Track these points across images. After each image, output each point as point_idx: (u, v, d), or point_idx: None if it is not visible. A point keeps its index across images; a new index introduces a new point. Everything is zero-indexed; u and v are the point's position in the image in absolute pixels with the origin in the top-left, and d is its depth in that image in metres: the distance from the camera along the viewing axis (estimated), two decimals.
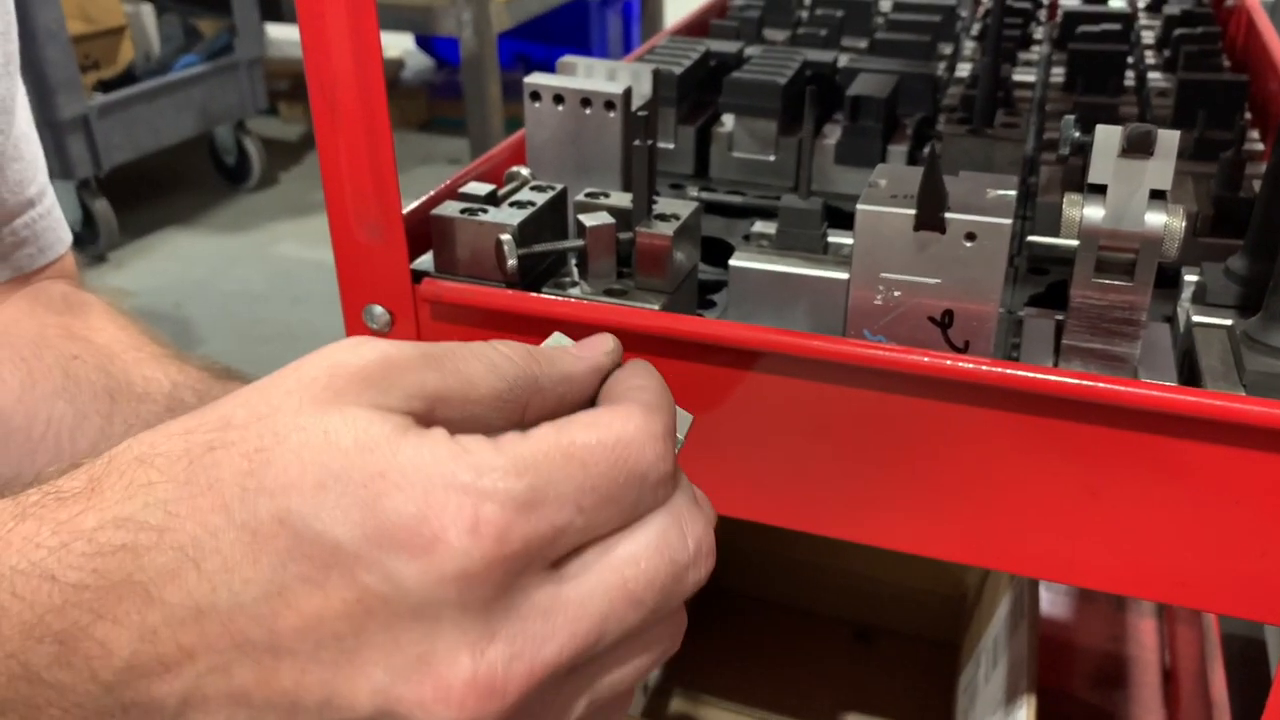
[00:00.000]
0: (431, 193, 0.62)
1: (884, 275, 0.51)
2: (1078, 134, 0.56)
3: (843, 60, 0.84)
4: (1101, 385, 0.47)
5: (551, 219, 0.60)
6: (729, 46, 0.88)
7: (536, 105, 0.65)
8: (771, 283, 0.57)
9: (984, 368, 0.48)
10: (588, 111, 0.64)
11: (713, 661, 0.98)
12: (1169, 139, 0.47)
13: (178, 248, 2.77)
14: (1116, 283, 0.50)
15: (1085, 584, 0.53)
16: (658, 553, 0.32)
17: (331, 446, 0.30)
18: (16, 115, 0.63)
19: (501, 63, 2.70)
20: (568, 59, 0.70)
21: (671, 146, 0.78)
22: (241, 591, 0.29)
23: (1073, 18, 0.99)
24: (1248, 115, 0.83)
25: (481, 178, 0.67)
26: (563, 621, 0.31)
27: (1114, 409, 0.47)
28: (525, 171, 0.65)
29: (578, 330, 0.41)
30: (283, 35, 3.67)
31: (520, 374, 0.34)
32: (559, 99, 0.64)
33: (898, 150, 0.74)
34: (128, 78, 2.67)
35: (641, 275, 0.57)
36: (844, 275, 0.54)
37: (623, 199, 0.59)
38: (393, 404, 0.32)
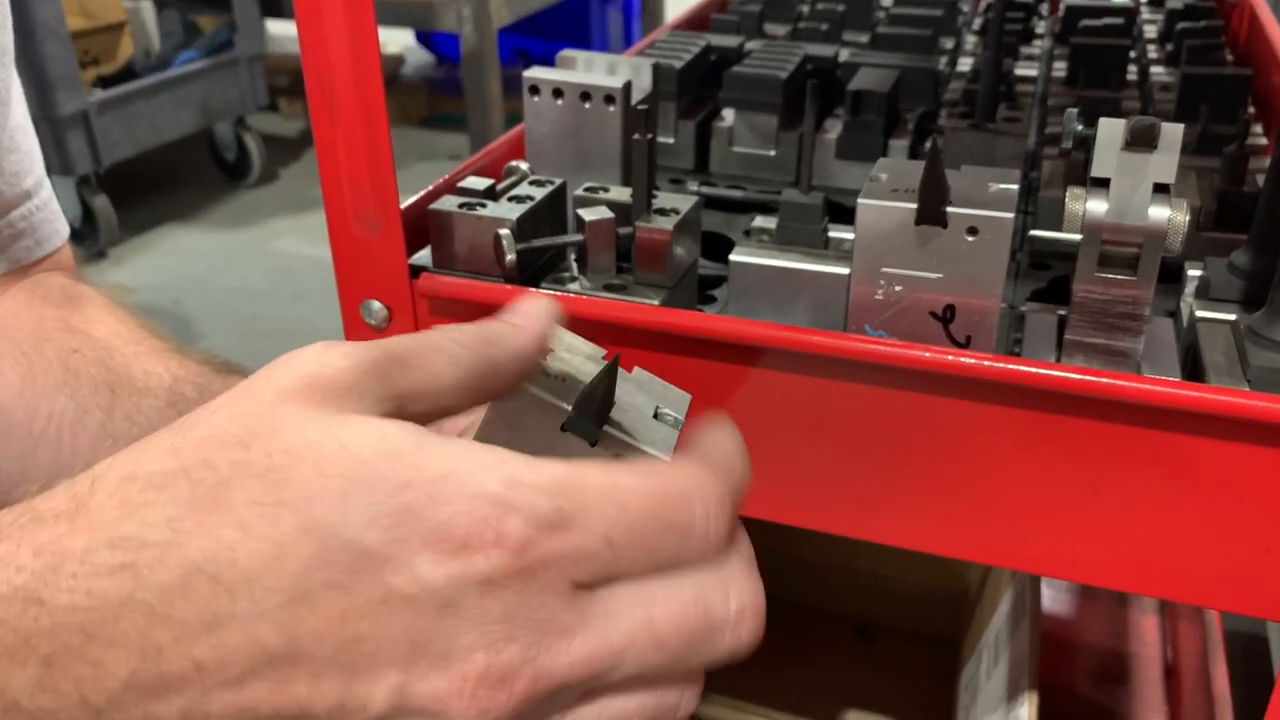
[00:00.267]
0: (430, 187, 0.62)
1: (885, 270, 0.51)
2: (1080, 127, 0.56)
3: (844, 55, 0.84)
4: (1104, 380, 0.46)
5: (550, 214, 0.60)
6: (729, 41, 0.87)
7: (536, 99, 0.65)
8: (772, 278, 0.57)
9: (986, 363, 0.48)
10: (587, 106, 0.64)
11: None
12: (1173, 132, 0.47)
13: (178, 244, 2.76)
14: (1119, 277, 0.49)
15: (1088, 581, 0.52)
16: (693, 602, 0.33)
17: (351, 458, 0.31)
18: (12, 108, 0.63)
19: (502, 58, 2.69)
20: (567, 53, 0.69)
21: (672, 141, 0.78)
22: (263, 600, 0.29)
23: (1075, 12, 0.98)
24: (1251, 109, 0.82)
25: (480, 172, 0.67)
26: (580, 641, 0.31)
27: (1117, 404, 0.47)
28: (524, 166, 0.64)
29: (577, 328, 0.41)
30: (283, 31, 3.66)
31: (476, 360, 0.36)
32: (558, 93, 0.64)
33: (899, 145, 0.74)
34: (127, 74, 2.67)
35: (641, 270, 0.57)
36: (845, 270, 0.54)
37: (622, 193, 0.59)
38: (369, 408, 0.33)
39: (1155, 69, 0.90)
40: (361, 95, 0.52)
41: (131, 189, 2.91)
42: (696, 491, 0.34)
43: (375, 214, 0.55)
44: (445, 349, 0.35)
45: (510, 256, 0.55)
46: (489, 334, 0.37)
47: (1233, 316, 0.53)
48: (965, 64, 0.93)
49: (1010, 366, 0.48)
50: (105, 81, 2.61)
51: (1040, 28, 1.06)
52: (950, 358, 0.48)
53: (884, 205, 0.50)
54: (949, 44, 0.95)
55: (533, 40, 3.52)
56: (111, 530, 0.30)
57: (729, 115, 0.78)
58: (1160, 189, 0.48)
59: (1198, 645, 0.95)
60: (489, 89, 2.61)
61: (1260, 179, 0.65)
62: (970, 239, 0.49)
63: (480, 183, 0.60)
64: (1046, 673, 0.74)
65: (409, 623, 0.30)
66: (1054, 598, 1.04)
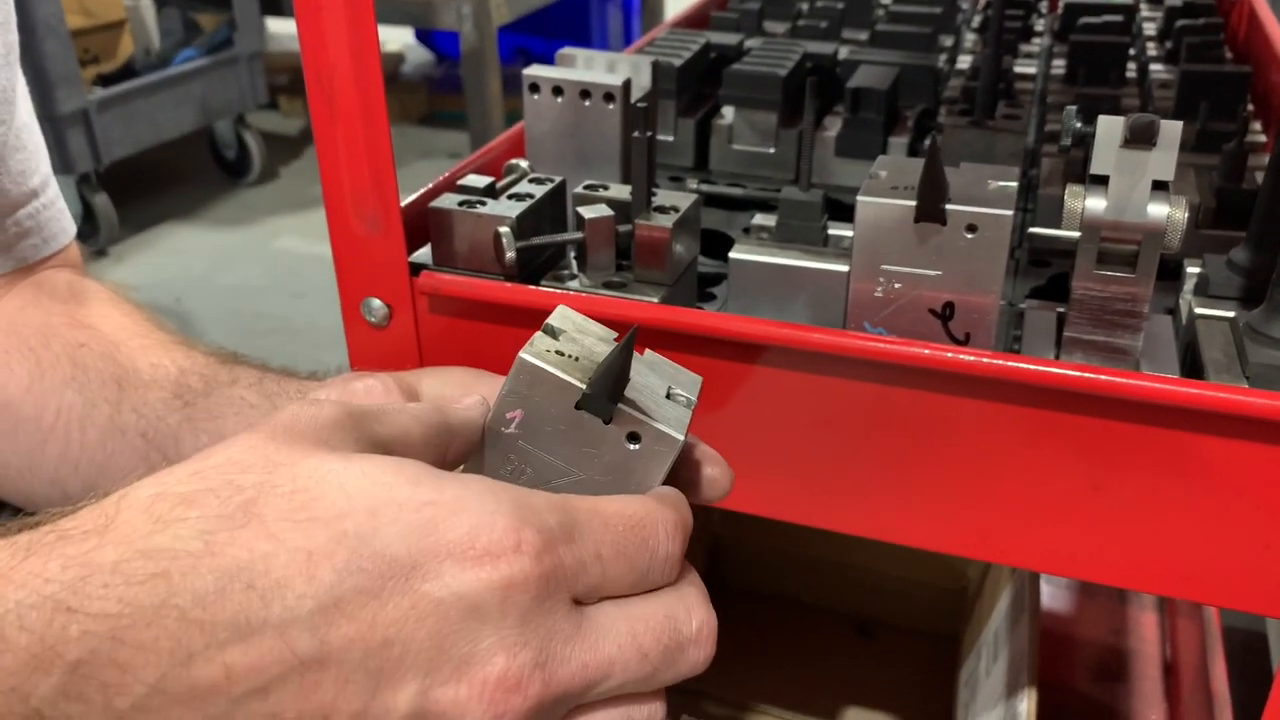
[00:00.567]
0: (430, 185, 0.62)
1: (884, 267, 0.51)
2: (1079, 125, 0.56)
3: (843, 52, 0.84)
4: (1103, 378, 0.46)
5: (550, 211, 0.60)
6: (729, 38, 0.87)
7: (535, 97, 0.65)
8: (771, 275, 0.57)
9: (985, 360, 0.48)
10: (587, 104, 0.64)
11: (714, 655, 0.98)
12: (1172, 130, 0.47)
13: (178, 242, 2.76)
14: (1118, 274, 0.49)
15: (1087, 577, 0.53)
16: (666, 619, 0.37)
17: (375, 483, 0.33)
18: (18, 106, 0.63)
19: (502, 57, 2.69)
20: (567, 51, 0.69)
21: (672, 139, 0.78)
22: (296, 606, 0.31)
23: (1074, 9, 0.98)
24: (1250, 107, 0.82)
25: (480, 170, 0.67)
26: (580, 649, 0.34)
27: (1115, 401, 0.47)
28: (524, 164, 0.65)
29: None
30: (283, 29, 3.66)
31: (438, 422, 0.39)
32: (558, 91, 0.64)
33: (898, 142, 0.74)
34: (127, 72, 2.67)
35: (640, 268, 0.57)
36: (844, 268, 0.54)
37: (622, 191, 0.59)
38: (365, 449, 0.36)
39: (1154, 66, 0.90)
40: (361, 94, 0.52)
41: (132, 187, 2.91)
42: (658, 515, 0.37)
43: (375, 212, 0.55)
44: (407, 410, 0.39)
45: (510, 254, 0.55)
46: (443, 404, 0.41)
47: (1232, 314, 0.54)
48: (965, 61, 0.93)
49: (1008, 364, 0.48)
50: (105, 80, 2.61)
51: (1040, 25, 1.06)
52: (949, 355, 0.48)
53: (883, 203, 0.50)
54: (948, 41, 0.95)
55: (533, 38, 3.52)
56: (144, 543, 0.31)
57: (729, 113, 0.78)
58: (1159, 186, 0.48)
59: (1197, 642, 0.95)
60: (489, 87, 2.61)
61: (1259, 176, 0.65)
62: (969, 236, 0.49)
63: (480, 180, 0.60)
64: (1046, 669, 0.74)
65: (435, 628, 0.32)
66: (1053, 594, 1.04)
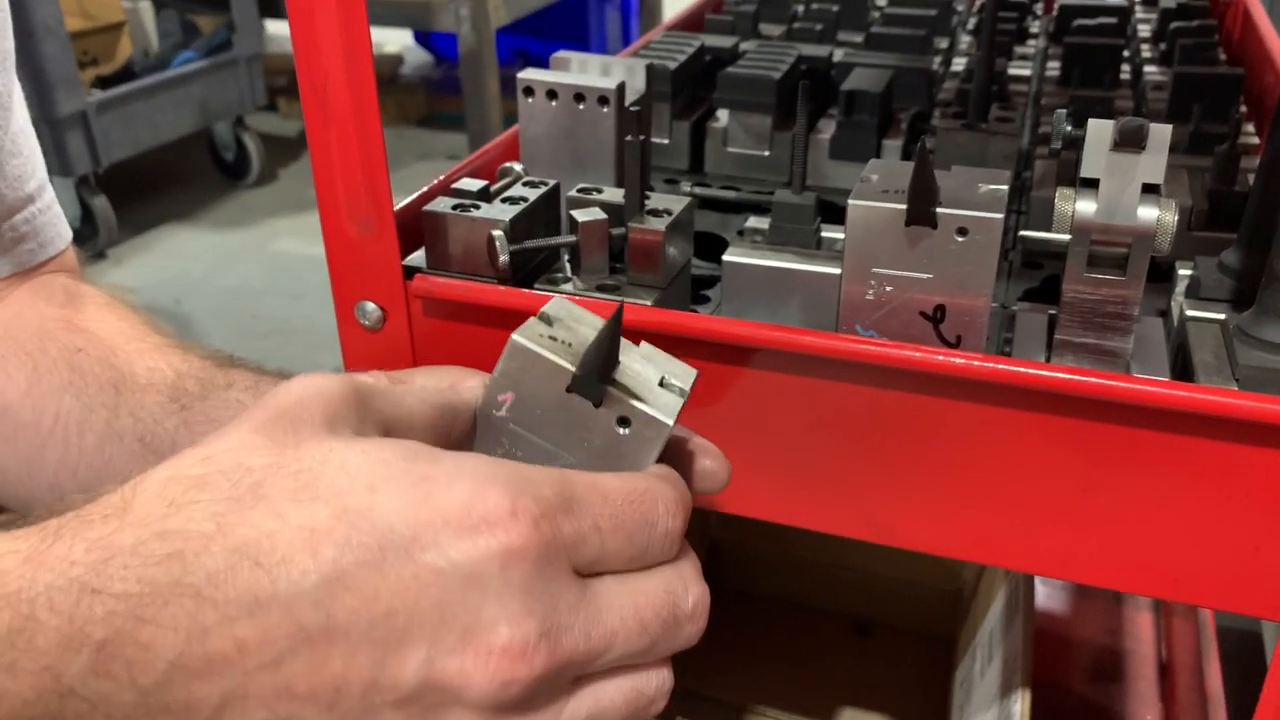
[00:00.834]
0: (424, 189, 0.62)
1: (875, 270, 0.51)
2: (1069, 128, 0.56)
3: (838, 55, 0.84)
4: (1092, 380, 0.46)
5: (544, 215, 0.60)
6: (724, 41, 0.87)
7: (530, 100, 0.65)
8: (765, 278, 0.57)
9: (975, 363, 0.48)
10: (581, 107, 0.64)
11: (711, 657, 0.98)
12: (1161, 133, 0.47)
13: (177, 244, 2.77)
14: (1109, 277, 0.50)
15: (1078, 579, 0.53)
16: (666, 594, 0.37)
17: (374, 460, 0.34)
18: (14, 111, 0.63)
19: (500, 58, 2.69)
20: (562, 54, 0.69)
21: (666, 142, 0.78)
22: (301, 580, 0.32)
23: (1068, 11, 0.99)
24: (1243, 109, 0.83)
25: (475, 174, 0.67)
26: (584, 620, 0.35)
27: (1105, 404, 0.47)
28: (518, 167, 0.65)
29: None
30: (281, 31, 3.66)
31: (444, 402, 0.40)
32: (552, 94, 0.64)
33: (892, 145, 0.74)
34: (126, 74, 2.68)
35: (634, 271, 0.57)
36: (837, 270, 0.54)
37: (616, 194, 0.59)
38: (367, 430, 0.37)
39: (1148, 68, 0.90)
40: (354, 97, 0.52)
41: (131, 189, 2.91)
42: (658, 491, 0.38)
43: (369, 215, 0.56)
44: (413, 391, 0.40)
45: (503, 258, 0.55)
46: (446, 383, 0.41)
47: (1222, 316, 0.54)
48: (959, 64, 0.93)
49: (998, 366, 0.48)
50: (104, 82, 2.61)
51: (1035, 27, 1.06)
52: (939, 358, 0.48)
53: (874, 206, 0.50)
54: (943, 44, 0.95)
55: (531, 40, 3.52)
56: (159, 524, 0.32)
57: (723, 116, 0.78)
58: (1149, 189, 0.48)
59: (1192, 642, 0.96)
60: (487, 89, 2.61)
61: (1251, 178, 0.66)
62: (960, 239, 0.49)
63: (474, 184, 0.60)
64: (1041, 670, 0.74)
65: (437, 597, 0.32)
66: (1049, 595, 1.04)
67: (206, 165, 3.10)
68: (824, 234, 0.61)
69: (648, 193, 0.58)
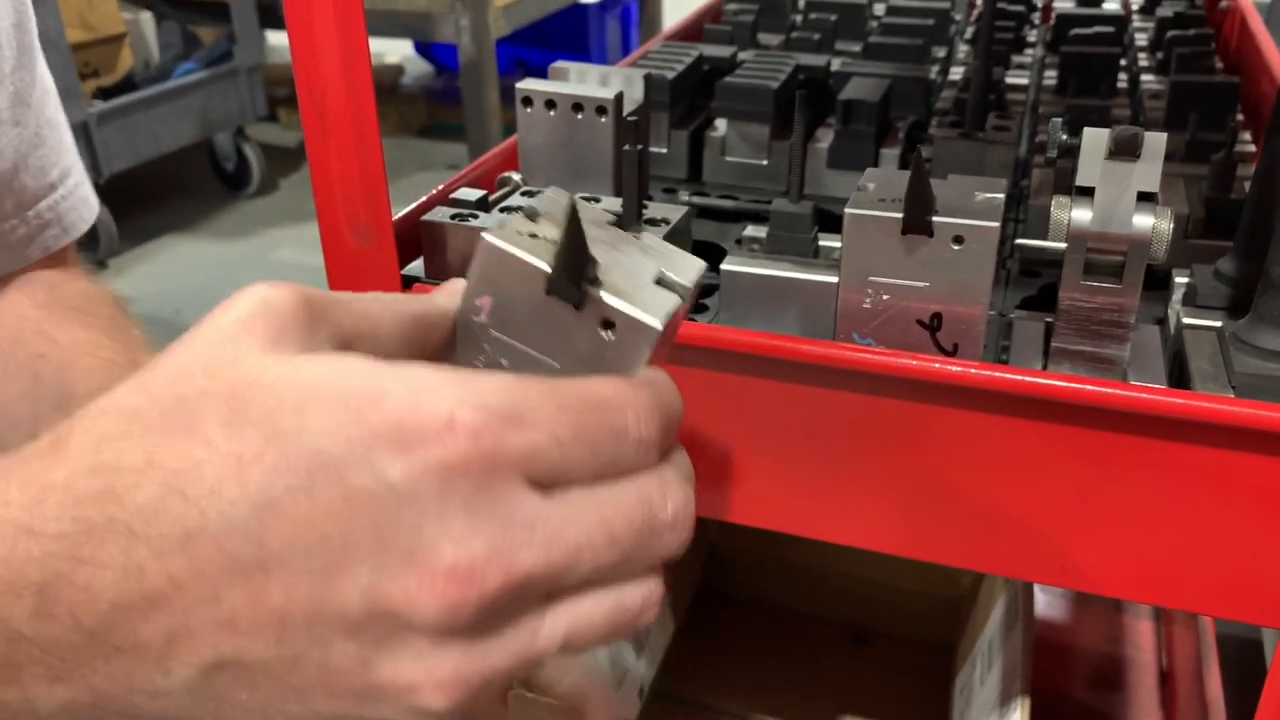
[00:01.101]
0: (423, 199, 0.62)
1: (872, 279, 0.51)
2: (1065, 137, 0.56)
3: (836, 64, 0.85)
4: (1087, 388, 0.47)
5: None
6: (722, 51, 0.88)
7: (528, 111, 0.65)
8: (762, 286, 0.57)
9: (971, 370, 0.48)
10: (579, 117, 0.64)
11: (710, 665, 0.98)
12: (1156, 141, 0.48)
13: (178, 254, 2.77)
14: (1105, 285, 0.50)
15: (1076, 587, 0.53)
16: (639, 502, 0.34)
17: (308, 378, 0.32)
18: (45, 103, 0.65)
19: (500, 68, 2.70)
20: (560, 64, 0.70)
21: (665, 151, 0.79)
22: (230, 512, 0.30)
23: (1066, 20, 0.99)
24: (1239, 117, 0.83)
25: (474, 183, 0.68)
26: (542, 535, 0.32)
27: (1102, 411, 0.47)
28: (516, 177, 0.65)
29: None
30: (282, 42, 3.67)
31: (415, 312, 0.37)
32: (551, 104, 0.65)
33: (890, 154, 0.74)
34: (127, 85, 2.68)
35: None
36: (834, 279, 0.55)
37: (614, 204, 0.59)
38: (319, 345, 0.34)
39: (1145, 77, 0.91)
40: (353, 109, 0.53)
41: (132, 200, 2.92)
42: (628, 399, 0.35)
43: (368, 226, 0.56)
44: (382, 300, 0.37)
45: None
46: (419, 295, 0.39)
47: (1219, 323, 0.54)
48: (957, 73, 0.93)
49: (994, 374, 0.48)
50: (105, 93, 2.62)
51: (1032, 36, 1.07)
52: (936, 366, 0.49)
53: (870, 215, 0.50)
54: (941, 53, 0.95)
55: (531, 50, 3.53)
56: (91, 458, 0.31)
57: (721, 125, 0.78)
58: (1145, 197, 0.48)
59: (1192, 650, 0.96)
60: (487, 98, 2.62)
61: (1249, 186, 0.66)
62: (956, 248, 0.49)
63: (472, 194, 0.60)
64: (1041, 678, 0.74)
65: (372, 519, 0.31)
66: (1049, 603, 1.05)
67: (207, 175, 3.11)
68: (822, 242, 0.61)
69: (646, 202, 0.58)
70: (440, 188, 0.64)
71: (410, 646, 0.31)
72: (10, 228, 0.65)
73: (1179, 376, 0.53)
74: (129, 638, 0.31)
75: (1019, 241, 0.54)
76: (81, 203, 0.69)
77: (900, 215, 0.49)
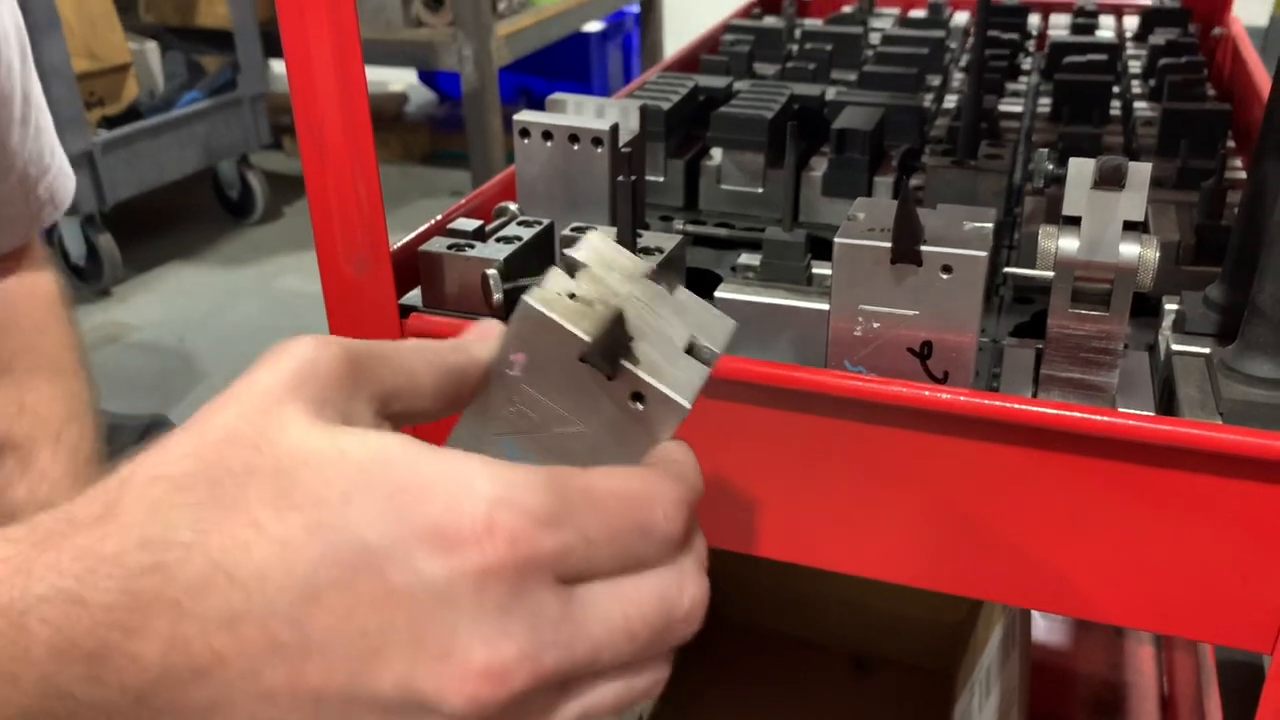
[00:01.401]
0: (420, 229, 0.63)
1: (863, 307, 0.52)
2: (1051, 166, 0.57)
3: (830, 93, 0.85)
4: (1075, 415, 0.47)
5: (539, 254, 0.61)
6: (718, 81, 0.89)
7: (525, 142, 0.66)
8: (755, 314, 0.58)
9: (960, 398, 0.48)
10: (576, 148, 0.65)
11: (710, 692, 0.98)
12: (1140, 171, 0.48)
13: (181, 282, 2.78)
14: (1093, 313, 0.50)
15: (1069, 613, 0.53)
16: (659, 599, 0.36)
17: (352, 464, 0.33)
18: (42, 106, 0.71)
19: (503, 96, 2.72)
20: (557, 96, 0.71)
21: (662, 179, 0.79)
22: (276, 598, 0.32)
23: (1059, 48, 1.00)
24: (1231, 144, 0.83)
25: (472, 213, 0.68)
26: (568, 635, 0.34)
27: (1091, 438, 0.48)
28: (513, 207, 0.66)
29: None
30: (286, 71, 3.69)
31: (452, 365, 0.39)
32: (548, 135, 0.65)
33: (884, 181, 0.75)
34: (132, 114, 2.70)
35: None
36: (826, 306, 0.55)
37: (610, 233, 0.60)
38: (360, 407, 0.36)
39: (1138, 104, 0.91)
40: (351, 140, 0.53)
41: (135, 227, 2.93)
42: (658, 495, 0.36)
43: (365, 255, 0.56)
44: (423, 353, 0.38)
45: (498, 296, 0.56)
46: (456, 344, 0.40)
47: (1208, 350, 0.54)
48: (951, 101, 0.94)
49: (983, 402, 0.48)
50: (110, 122, 2.63)
51: (1027, 64, 1.08)
52: (926, 394, 0.49)
53: (860, 244, 0.51)
54: (935, 81, 0.96)
55: (533, 78, 3.55)
56: (141, 531, 0.32)
57: (717, 154, 0.79)
58: (1131, 226, 0.49)
59: (1193, 675, 0.95)
60: (490, 126, 2.64)
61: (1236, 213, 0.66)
62: (945, 277, 0.50)
63: (470, 224, 0.61)
64: (1042, 703, 0.74)
65: (410, 616, 0.32)
66: (1049, 629, 1.04)
67: (211, 203, 3.12)
68: (816, 270, 0.62)
69: (640, 231, 0.59)
70: (438, 218, 0.65)
71: None
72: (18, 211, 0.70)
73: (1168, 403, 0.53)
74: (172, 703, 0.32)
75: (1007, 269, 0.54)
76: (65, 177, 0.74)
77: (889, 244, 0.50)
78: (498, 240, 0.60)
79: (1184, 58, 0.95)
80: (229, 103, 2.85)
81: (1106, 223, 0.49)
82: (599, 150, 0.65)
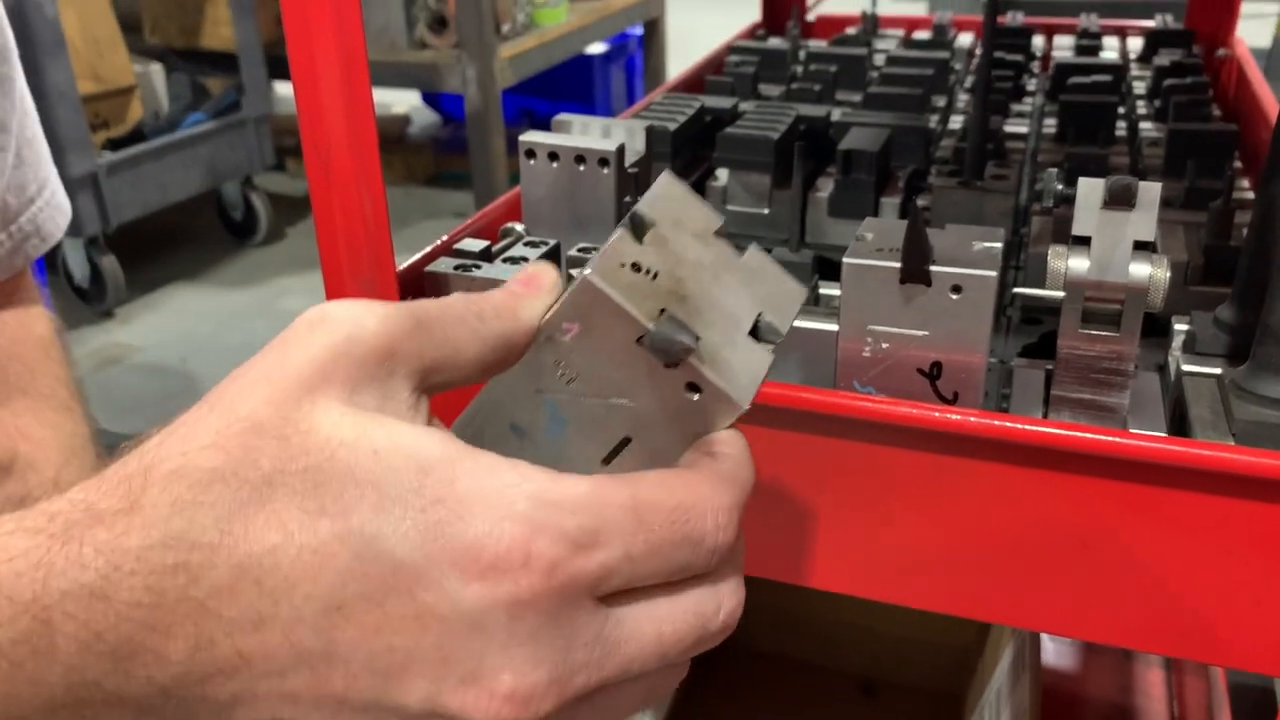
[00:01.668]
0: (426, 250, 0.63)
1: (871, 328, 0.52)
2: (1060, 186, 0.57)
3: (836, 114, 0.85)
4: (1087, 435, 0.47)
5: None
6: (724, 102, 0.89)
7: (531, 163, 0.66)
8: None
9: (970, 419, 0.48)
10: (582, 169, 0.65)
11: (718, 716, 0.98)
12: (1150, 191, 0.48)
13: (185, 303, 2.79)
14: (1103, 333, 0.50)
15: (1080, 636, 0.53)
16: (695, 617, 0.35)
17: (385, 468, 0.32)
18: (23, 125, 0.68)
19: (506, 118, 2.73)
20: (563, 117, 0.71)
21: None
22: (302, 606, 0.31)
23: (1064, 69, 1.00)
24: (1238, 164, 0.83)
25: (478, 234, 0.68)
26: (599, 656, 0.33)
27: (1102, 459, 0.47)
28: (519, 228, 0.66)
29: None
30: (290, 93, 3.70)
31: (498, 335, 0.37)
32: (553, 156, 0.65)
33: (890, 202, 0.75)
34: (136, 136, 2.71)
35: None
36: (834, 327, 0.55)
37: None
38: (398, 384, 0.34)
39: (1144, 125, 0.91)
40: (357, 162, 0.53)
41: (139, 249, 2.94)
42: (709, 504, 0.34)
43: (372, 277, 0.56)
44: (468, 321, 0.36)
45: None
46: (508, 308, 0.37)
47: (1218, 370, 0.54)
48: (957, 121, 0.94)
49: (993, 423, 0.48)
50: (115, 144, 2.64)
51: (1032, 85, 1.08)
52: (935, 414, 0.49)
53: (868, 264, 0.51)
54: (941, 102, 0.96)
55: (537, 100, 3.56)
56: (165, 528, 0.32)
57: (723, 175, 0.79)
58: (1141, 246, 0.49)
59: (1203, 699, 0.95)
60: (493, 148, 2.64)
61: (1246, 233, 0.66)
62: (954, 297, 0.50)
63: (476, 245, 0.61)
64: None
65: (439, 639, 0.32)
66: (1059, 652, 1.04)
67: (215, 225, 3.13)
68: (823, 291, 0.62)
69: None
70: (444, 239, 0.65)
71: None
72: None
73: (1179, 424, 0.53)
74: (197, 693, 0.32)
75: (1016, 290, 0.54)
76: (57, 210, 0.73)
77: (898, 265, 0.50)
78: (504, 260, 0.60)
79: (1189, 78, 0.95)
80: (233, 124, 2.86)
81: (1116, 243, 0.49)
82: (605, 171, 0.65)
